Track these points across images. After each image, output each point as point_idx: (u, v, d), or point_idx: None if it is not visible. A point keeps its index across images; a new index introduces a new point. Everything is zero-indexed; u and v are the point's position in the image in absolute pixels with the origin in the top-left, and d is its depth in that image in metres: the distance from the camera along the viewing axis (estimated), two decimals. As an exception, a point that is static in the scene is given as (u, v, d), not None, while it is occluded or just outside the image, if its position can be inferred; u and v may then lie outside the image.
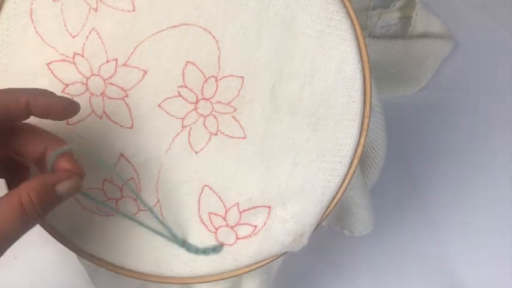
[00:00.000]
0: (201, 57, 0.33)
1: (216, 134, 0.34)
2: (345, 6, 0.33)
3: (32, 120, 0.28)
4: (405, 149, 0.64)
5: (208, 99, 0.34)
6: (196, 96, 0.34)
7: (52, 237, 0.35)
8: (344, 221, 0.46)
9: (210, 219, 0.35)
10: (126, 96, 0.33)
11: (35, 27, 0.33)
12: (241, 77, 0.34)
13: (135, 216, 0.35)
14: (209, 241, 0.35)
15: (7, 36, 0.33)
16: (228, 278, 0.36)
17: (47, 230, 0.34)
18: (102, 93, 0.33)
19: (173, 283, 0.36)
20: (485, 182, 0.63)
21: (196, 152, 0.34)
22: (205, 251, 0.35)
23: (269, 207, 0.35)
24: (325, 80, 0.34)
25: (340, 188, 0.35)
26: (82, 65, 0.33)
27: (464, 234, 0.61)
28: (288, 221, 0.35)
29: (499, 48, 0.68)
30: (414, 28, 0.69)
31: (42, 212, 0.27)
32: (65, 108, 0.28)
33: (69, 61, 0.33)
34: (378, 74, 0.67)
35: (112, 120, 0.34)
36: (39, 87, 0.33)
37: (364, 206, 0.44)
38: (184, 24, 0.33)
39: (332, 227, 0.48)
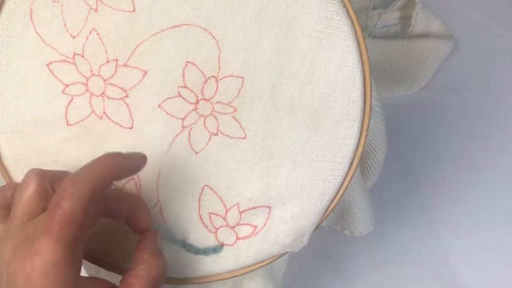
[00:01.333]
0: (201, 58, 0.33)
1: (216, 134, 0.34)
2: (345, 6, 0.33)
3: None
4: (405, 149, 0.64)
5: (208, 100, 0.34)
6: (197, 97, 0.34)
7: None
8: (344, 221, 0.46)
9: (210, 220, 0.35)
10: (126, 96, 0.33)
11: (35, 28, 0.33)
12: (241, 77, 0.34)
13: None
14: (209, 241, 0.35)
15: (7, 36, 0.33)
16: (229, 278, 0.36)
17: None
18: (103, 94, 0.33)
19: (173, 283, 0.36)
20: (485, 181, 0.63)
21: (196, 152, 0.34)
22: (205, 251, 0.35)
23: (269, 207, 0.35)
24: (325, 80, 0.33)
25: (340, 188, 0.35)
26: (82, 65, 0.33)
27: (464, 234, 0.61)
28: (288, 221, 0.35)
29: (499, 48, 0.68)
30: (414, 28, 0.69)
31: (165, 269, 0.31)
32: (137, 167, 0.31)
33: (69, 61, 0.33)
34: (378, 74, 0.67)
35: (112, 121, 0.34)
36: (39, 87, 0.33)
37: (364, 206, 0.44)
38: (184, 24, 0.33)
39: (332, 227, 0.48)
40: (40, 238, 0.26)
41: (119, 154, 0.30)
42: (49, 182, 0.29)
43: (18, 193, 0.29)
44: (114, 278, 0.38)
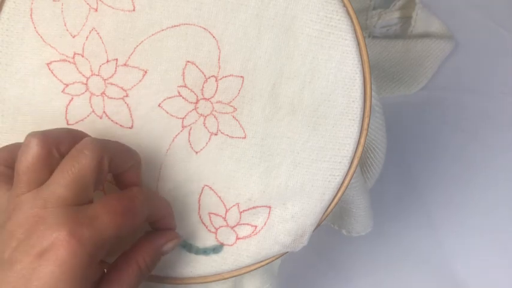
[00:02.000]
0: (201, 57, 0.33)
1: (216, 134, 0.34)
2: (344, 6, 0.33)
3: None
4: (405, 149, 0.64)
5: (208, 99, 0.34)
6: (196, 96, 0.34)
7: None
8: (343, 220, 0.46)
9: (210, 220, 0.35)
10: (126, 96, 0.33)
11: (35, 27, 0.33)
12: (241, 76, 0.34)
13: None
14: (209, 241, 0.35)
15: (7, 36, 0.33)
16: (228, 278, 0.36)
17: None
18: (102, 93, 0.33)
19: (173, 283, 0.36)
20: (485, 182, 0.63)
21: (196, 152, 0.34)
22: (205, 252, 0.35)
23: (269, 207, 0.35)
24: (325, 79, 0.34)
25: (340, 187, 0.35)
26: (82, 65, 0.33)
27: (464, 234, 0.61)
28: (288, 221, 0.34)
29: (499, 48, 0.68)
30: (414, 28, 0.69)
31: (152, 269, 0.31)
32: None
33: (69, 61, 0.33)
34: (378, 74, 0.67)
35: (112, 120, 0.34)
36: (39, 87, 0.33)
37: (363, 206, 0.44)
38: (184, 24, 0.33)
39: (330, 226, 0.48)
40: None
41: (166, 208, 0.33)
42: (54, 145, 0.27)
43: (19, 158, 0.26)
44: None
